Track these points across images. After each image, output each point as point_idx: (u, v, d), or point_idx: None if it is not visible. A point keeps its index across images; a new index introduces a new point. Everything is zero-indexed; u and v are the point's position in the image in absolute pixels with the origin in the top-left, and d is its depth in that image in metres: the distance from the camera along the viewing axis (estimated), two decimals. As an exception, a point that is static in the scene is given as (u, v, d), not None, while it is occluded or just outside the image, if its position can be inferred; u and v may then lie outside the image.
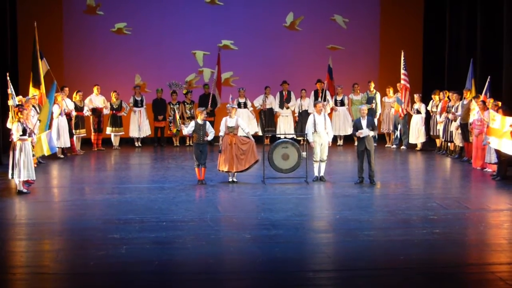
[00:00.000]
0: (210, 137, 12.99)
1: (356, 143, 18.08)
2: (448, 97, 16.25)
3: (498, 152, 12.99)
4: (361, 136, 12.81)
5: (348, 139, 18.67)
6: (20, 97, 14.21)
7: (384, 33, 19.77)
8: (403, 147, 17.76)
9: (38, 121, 13.25)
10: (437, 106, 16.70)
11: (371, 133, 12.77)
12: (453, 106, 15.75)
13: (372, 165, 12.76)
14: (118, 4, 19.17)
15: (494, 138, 12.88)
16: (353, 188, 12.47)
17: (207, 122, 13.06)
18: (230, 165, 12.81)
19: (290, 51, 19.50)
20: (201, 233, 9.27)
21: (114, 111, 17.92)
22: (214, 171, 13.52)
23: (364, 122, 12.80)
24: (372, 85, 18.27)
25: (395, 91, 17.98)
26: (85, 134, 17.40)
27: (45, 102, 12.77)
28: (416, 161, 16.27)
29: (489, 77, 14.57)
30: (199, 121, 12.87)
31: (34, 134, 12.36)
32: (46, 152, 13.97)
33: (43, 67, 15.37)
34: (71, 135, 16.50)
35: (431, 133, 17.21)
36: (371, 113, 17.09)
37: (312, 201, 11.82)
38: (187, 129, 13.15)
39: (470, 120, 14.67)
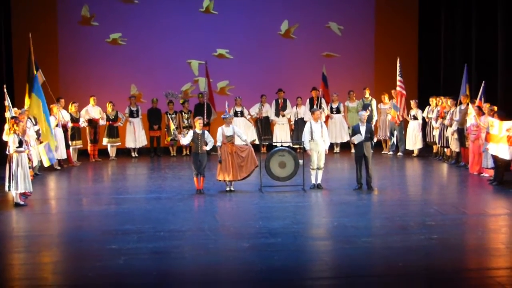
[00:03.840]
0: (208, 147, 12.89)
1: (352, 150, 18.28)
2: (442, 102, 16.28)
3: (494, 157, 13.01)
4: (354, 142, 12.84)
5: (345, 147, 18.69)
6: (15, 109, 14.19)
7: (379, 40, 19.80)
8: (399, 153, 17.77)
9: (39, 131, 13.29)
10: (432, 112, 16.73)
11: (362, 138, 12.76)
12: (448, 111, 15.78)
13: (370, 171, 12.78)
14: (112, 15, 19.15)
15: (493, 144, 12.91)
16: (351, 195, 12.47)
17: (206, 132, 12.99)
18: (232, 174, 12.78)
19: (285, 59, 19.52)
20: (199, 242, 9.26)
21: (110, 122, 17.90)
22: (211, 180, 13.49)
23: (363, 129, 12.82)
24: (368, 92, 18.27)
25: (390, 97, 18.01)
26: (81, 145, 17.38)
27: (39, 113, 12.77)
28: (413, 167, 16.28)
29: (483, 82, 14.59)
30: (197, 130, 12.84)
31: (30, 146, 12.33)
32: (46, 163, 13.97)
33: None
34: (67, 146, 16.48)
35: (428, 139, 17.22)
36: (368, 119, 17.07)
37: (309, 209, 11.81)
38: (186, 139, 13.11)
39: (467, 125, 14.69)
